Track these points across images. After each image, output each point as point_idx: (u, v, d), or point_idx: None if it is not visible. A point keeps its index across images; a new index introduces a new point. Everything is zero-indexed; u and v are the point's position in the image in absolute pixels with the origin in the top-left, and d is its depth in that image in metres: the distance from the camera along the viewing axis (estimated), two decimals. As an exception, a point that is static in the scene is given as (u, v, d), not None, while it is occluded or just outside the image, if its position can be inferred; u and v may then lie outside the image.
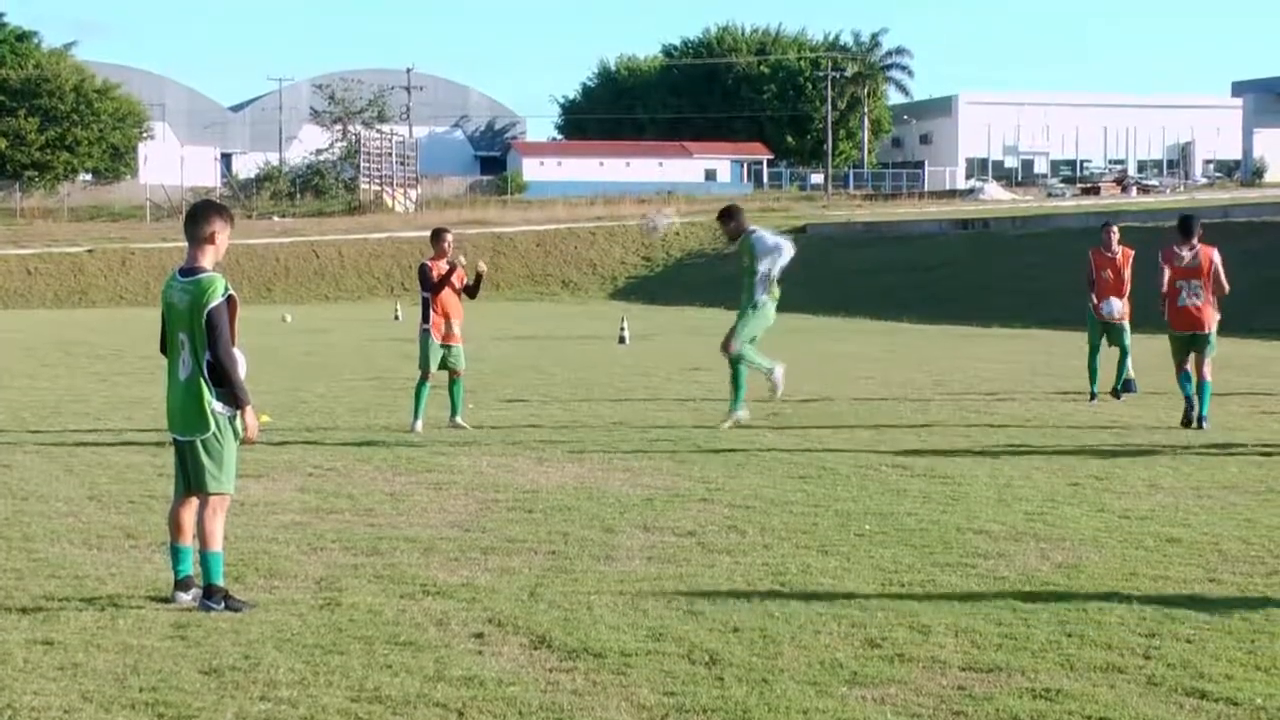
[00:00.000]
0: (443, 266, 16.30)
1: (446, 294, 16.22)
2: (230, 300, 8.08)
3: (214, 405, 8.08)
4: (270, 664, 6.96)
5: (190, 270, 8.17)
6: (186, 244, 8.27)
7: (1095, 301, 19.25)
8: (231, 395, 8.11)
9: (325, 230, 71.88)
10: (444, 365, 16.29)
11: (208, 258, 8.19)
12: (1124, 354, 19.12)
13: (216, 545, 8.11)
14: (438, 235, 16.58)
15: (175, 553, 8.31)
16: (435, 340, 16.17)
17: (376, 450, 14.57)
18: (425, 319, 16.26)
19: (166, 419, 8.39)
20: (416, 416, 16.20)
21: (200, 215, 8.26)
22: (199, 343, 8.04)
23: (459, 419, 16.43)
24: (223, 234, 8.24)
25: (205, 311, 7.99)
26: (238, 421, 8.19)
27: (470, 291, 16.56)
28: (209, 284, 8.06)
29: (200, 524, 8.16)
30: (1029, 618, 7.77)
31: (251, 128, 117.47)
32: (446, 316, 16.23)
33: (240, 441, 8.27)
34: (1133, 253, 19.47)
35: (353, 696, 6.49)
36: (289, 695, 6.50)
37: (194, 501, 8.22)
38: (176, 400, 8.20)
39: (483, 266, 16.84)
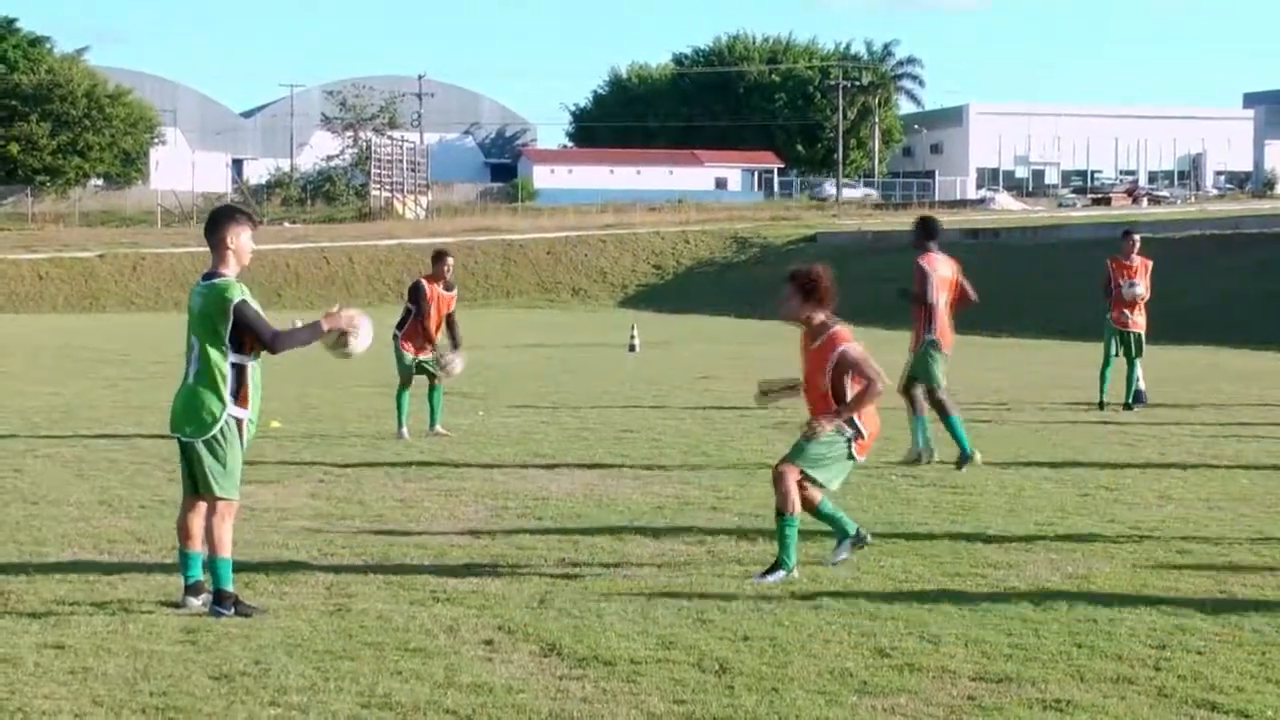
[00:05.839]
0: (439, 291, 16.26)
1: (433, 314, 16.22)
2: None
3: (229, 409, 8.08)
4: (280, 670, 6.96)
5: (210, 275, 8.24)
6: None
7: (1114, 303, 19.24)
8: (298, 338, 8.28)
9: (336, 237, 71.91)
10: (422, 370, 16.30)
11: (228, 263, 8.23)
12: (1132, 366, 19.19)
13: (226, 551, 8.12)
14: (439, 257, 16.57)
15: (185, 558, 8.31)
16: (407, 354, 16.23)
17: (387, 457, 14.59)
18: (400, 326, 16.26)
19: (169, 419, 8.38)
20: (401, 424, 16.20)
21: (215, 221, 8.33)
22: (207, 345, 8.05)
23: (439, 427, 16.39)
24: (238, 238, 8.23)
25: (231, 310, 8.02)
26: (245, 429, 8.20)
27: (453, 339, 16.41)
28: (224, 288, 8.10)
29: (209, 530, 8.17)
30: (1039, 628, 7.76)
31: (263, 134, 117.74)
32: (427, 335, 16.22)
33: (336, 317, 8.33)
34: (1151, 263, 19.43)
35: (363, 703, 6.50)
36: (299, 701, 6.51)
37: (202, 507, 8.23)
38: (181, 400, 8.21)
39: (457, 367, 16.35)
